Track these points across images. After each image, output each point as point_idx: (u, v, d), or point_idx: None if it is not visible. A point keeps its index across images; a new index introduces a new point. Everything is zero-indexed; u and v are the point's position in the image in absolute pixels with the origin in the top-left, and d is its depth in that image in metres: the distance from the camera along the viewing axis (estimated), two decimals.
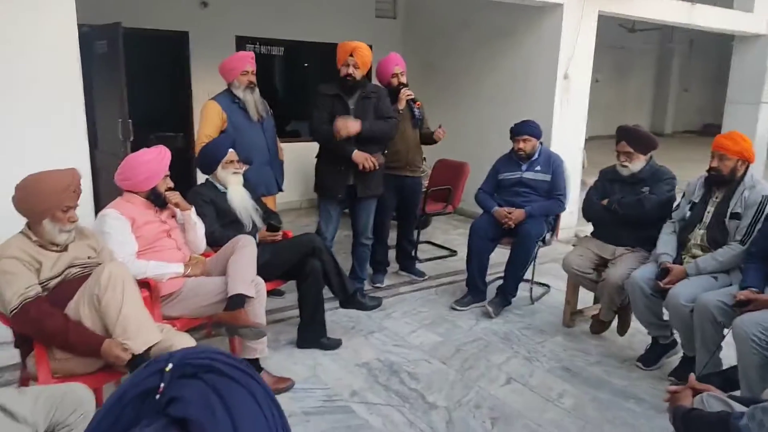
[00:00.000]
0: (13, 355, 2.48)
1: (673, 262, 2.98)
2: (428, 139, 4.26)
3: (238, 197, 3.23)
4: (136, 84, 4.76)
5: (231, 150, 3.25)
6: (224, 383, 0.59)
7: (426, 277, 4.41)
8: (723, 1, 6.71)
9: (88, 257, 2.26)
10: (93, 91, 4.24)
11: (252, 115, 3.64)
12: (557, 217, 4.04)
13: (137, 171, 2.70)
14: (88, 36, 4.20)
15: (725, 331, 2.67)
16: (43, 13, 2.96)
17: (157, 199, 2.75)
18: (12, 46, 2.91)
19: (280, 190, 3.94)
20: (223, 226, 3.13)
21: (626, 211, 3.31)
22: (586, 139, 5.71)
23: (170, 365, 0.59)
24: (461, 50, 6.31)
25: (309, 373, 3.00)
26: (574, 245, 4.02)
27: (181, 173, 3.12)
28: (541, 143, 3.96)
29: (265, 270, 2.90)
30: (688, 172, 4.58)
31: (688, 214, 3.06)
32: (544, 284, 4.26)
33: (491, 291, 3.95)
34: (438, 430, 2.54)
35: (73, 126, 3.13)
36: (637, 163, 3.28)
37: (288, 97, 7.16)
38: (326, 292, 3.27)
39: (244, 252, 2.79)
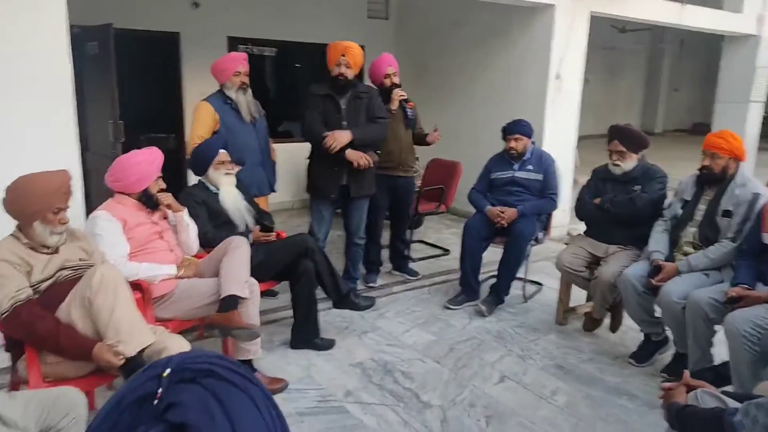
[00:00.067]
0: (3, 359, 2.46)
1: (665, 260, 3.00)
2: (421, 140, 4.27)
3: (231, 198, 3.22)
4: (127, 85, 4.74)
5: (223, 151, 3.24)
6: (223, 388, 0.58)
7: (419, 277, 4.41)
8: (712, 2, 6.75)
9: (80, 259, 2.24)
10: (84, 92, 4.21)
11: (244, 116, 3.63)
12: (549, 216, 4.06)
13: (128, 172, 2.69)
14: (79, 37, 4.17)
15: (716, 327, 2.70)
16: (35, 14, 2.94)
17: (148, 201, 2.74)
18: (3, 48, 2.89)
19: (273, 190, 3.93)
20: (215, 227, 3.12)
21: (618, 209, 3.32)
22: (577, 139, 5.73)
23: (168, 370, 0.58)
24: (454, 50, 6.32)
25: (303, 374, 2.99)
26: (566, 244, 4.03)
27: (172, 174, 3.11)
28: (533, 143, 3.97)
29: (258, 271, 2.89)
30: (678, 170, 4.61)
31: (680, 212, 3.08)
32: (536, 282, 4.28)
33: (484, 290, 3.96)
34: (433, 429, 2.55)
35: (64, 127, 3.11)
36: (630, 162, 3.30)
37: (280, 98, 7.15)
38: (319, 293, 3.26)
39: (237, 253, 2.78)
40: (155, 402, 0.56)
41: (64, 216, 2.15)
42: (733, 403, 1.52)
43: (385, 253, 4.44)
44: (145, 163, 2.71)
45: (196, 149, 3.34)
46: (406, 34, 7.05)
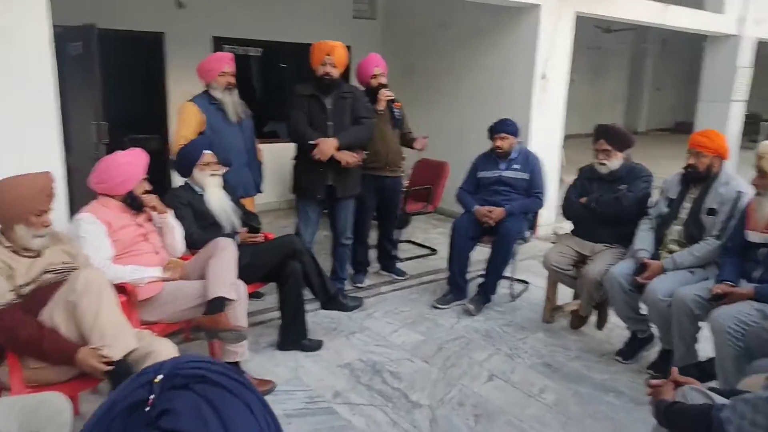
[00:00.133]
0: None
1: (651, 258, 3.02)
2: (407, 142, 4.26)
3: (217, 199, 3.19)
4: (110, 86, 4.68)
5: (208, 152, 3.20)
6: (217, 393, 0.57)
7: (407, 277, 4.41)
8: (694, 3, 6.83)
9: (63, 263, 2.21)
10: (66, 92, 4.16)
11: (231, 117, 3.60)
12: (536, 215, 4.08)
13: (113, 174, 2.65)
14: (61, 37, 4.10)
15: (701, 324, 2.73)
16: (17, 14, 2.89)
17: (133, 203, 2.71)
18: None
19: (259, 191, 3.91)
20: (201, 228, 3.09)
21: (604, 208, 3.35)
22: (563, 138, 5.77)
23: (160, 376, 0.57)
24: (440, 51, 6.33)
25: (291, 375, 2.98)
26: (553, 243, 4.06)
27: (156, 176, 3.08)
28: (519, 142, 3.99)
29: (245, 272, 2.86)
30: (662, 169, 4.67)
31: (665, 210, 3.11)
32: (523, 281, 4.29)
33: (471, 289, 3.97)
34: (422, 429, 2.55)
35: (47, 128, 3.06)
36: (615, 161, 3.33)
37: (266, 98, 7.11)
38: (307, 294, 3.25)
39: (224, 254, 2.76)
40: (147, 409, 0.55)
41: (47, 219, 2.12)
42: (720, 400, 1.54)
43: (372, 254, 4.43)
44: (129, 165, 2.68)
45: (180, 150, 3.31)
46: (392, 35, 7.05)
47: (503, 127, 3.90)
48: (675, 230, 3.06)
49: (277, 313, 3.33)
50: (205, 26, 5.92)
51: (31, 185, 2.10)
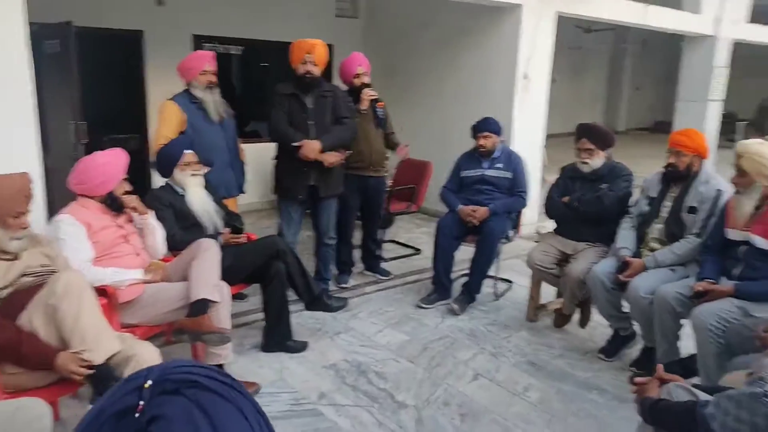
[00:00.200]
0: None
1: (632, 256, 3.05)
2: (390, 142, 4.25)
3: (198, 200, 3.15)
4: (88, 84, 4.61)
5: (189, 151, 3.16)
6: (209, 398, 0.56)
7: (391, 276, 4.41)
8: (672, 4, 6.93)
9: (42, 265, 2.16)
10: (43, 91, 4.07)
11: (212, 116, 3.55)
12: (519, 214, 4.10)
13: (92, 174, 2.60)
14: (37, 35, 4.02)
15: (683, 321, 2.76)
16: None
17: (113, 204, 2.66)
18: None
19: (242, 191, 3.87)
20: (183, 229, 3.05)
21: (586, 208, 3.38)
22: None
23: (149, 381, 0.56)
24: (423, 50, 6.33)
25: (275, 377, 2.95)
26: (537, 242, 4.08)
27: (136, 176, 3.03)
28: (502, 141, 4.01)
29: (228, 274, 2.83)
30: (642, 168, 4.73)
31: (646, 209, 3.14)
32: (507, 280, 4.32)
33: (456, 288, 3.98)
34: (408, 429, 2.54)
35: (24, 128, 2.99)
36: (598, 160, 3.35)
37: (247, 97, 7.05)
38: (291, 294, 3.22)
39: (207, 255, 2.73)
40: (137, 415, 0.53)
41: (25, 220, 2.07)
42: (704, 396, 1.55)
43: (356, 254, 4.42)
44: (109, 165, 2.64)
45: (161, 150, 3.26)
46: (375, 34, 7.03)
47: (486, 126, 3.91)
48: (656, 229, 3.10)
49: (260, 315, 3.30)
50: (185, 24, 5.85)
51: (8, 186, 2.05)
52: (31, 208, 2.14)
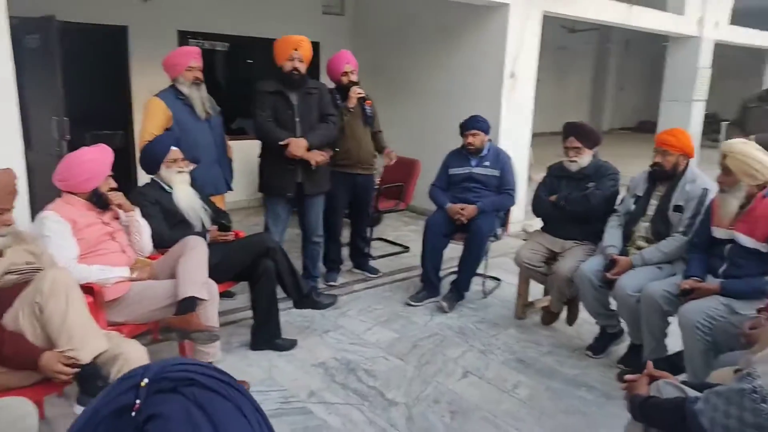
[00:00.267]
0: None
1: (619, 254, 3.08)
2: (377, 141, 4.23)
3: (185, 197, 3.11)
4: (71, 80, 4.52)
5: (174, 148, 3.12)
6: (207, 397, 0.55)
7: (380, 274, 4.40)
8: (657, 4, 7.00)
9: (27, 263, 2.11)
10: (24, 87, 4.00)
11: (198, 113, 3.51)
12: (508, 212, 4.12)
13: (77, 171, 2.56)
14: (17, 29, 3.94)
15: (670, 318, 2.79)
16: None
17: (99, 201, 2.62)
18: None
19: (230, 188, 3.83)
20: (170, 227, 3.02)
21: (573, 206, 3.40)
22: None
23: (145, 380, 0.54)
24: (410, 48, 6.33)
25: (264, 375, 2.93)
26: (525, 240, 4.10)
27: (121, 173, 2.98)
28: (490, 140, 4.02)
29: (216, 271, 2.81)
30: (627, 167, 4.76)
31: (633, 207, 3.17)
32: (495, 278, 4.33)
33: (444, 286, 3.98)
34: (398, 426, 2.54)
35: (6, 124, 2.93)
36: (585, 158, 3.38)
37: (233, 94, 6.98)
38: (279, 292, 3.20)
39: (195, 253, 2.70)
40: (133, 414, 0.52)
41: (9, 217, 2.04)
42: (692, 393, 1.57)
43: (344, 252, 4.40)
44: (94, 162, 2.60)
45: (146, 147, 3.22)
46: (362, 31, 7.02)
47: (474, 124, 3.92)
48: (642, 227, 3.13)
49: (248, 313, 3.28)
50: (170, 20, 5.79)
51: None
52: (15, 205, 2.10)
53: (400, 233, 5.58)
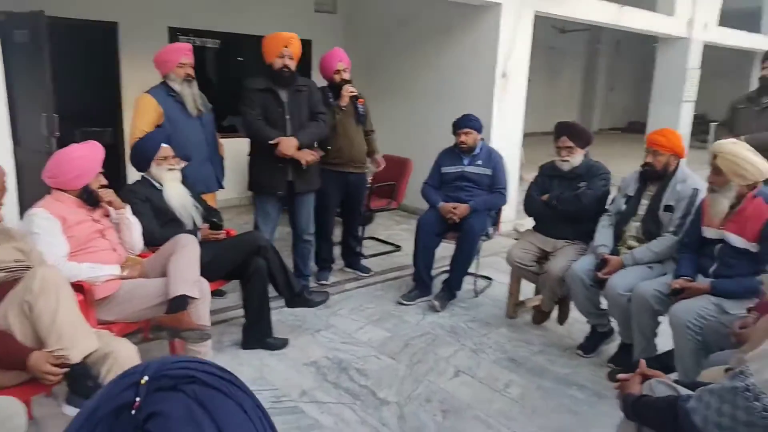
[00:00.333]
0: None
1: (610, 254, 3.09)
2: (369, 145, 4.22)
3: (176, 195, 3.09)
4: (60, 76, 4.48)
5: (165, 145, 3.10)
6: (209, 394, 0.54)
7: (371, 273, 4.39)
8: (647, 5, 7.04)
9: (16, 260, 2.09)
10: (13, 83, 3.95)
11: (190, 110, 3.49)
12: (499, 212, 4.12)
13: (67, 168, 2.53)
14: (6, 24, 3.91)
15: (660, 318, 2.81)
16: None
17: (89, 198, 2.60)
18: None
19: (221, 186, 3.81)
20: (161, 225, 2.99)
21: (565, 206, 3.41)
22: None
23: (146, 377, 0.53)
24: (402, 47, 6.32)
25: (256, 374, 2.92)
26: (516, 239, 4.11)
27: (110, 170, 2.94)
28: (482, 139, 4.02)
29: (208, 270, 2.79)
30: (616, 167, 4.78)
31: (624, 207, 3.18)
32: (486, 277, 4.34)
33: (436, 285, 3.98)
34: (390, 425, 2.54)
35: None
36: (577, 157, 3.39)
37: (224, 92, 6.94)
38: (270, 291, 3.19)
39: (186, 251, 2.68)
40: (133, 412, 0.51)
41: None
42: (684, 391, 1.58)
43: (336, 251, 4.39)
44: (85, 159, 2.57)
45: (136, 144, 3.20)
46: (354, 30, 7.00)
47: (467, 122, 3.92)
48: (633, 227, 3.14)
49: (239, 311, 3.26)
50: (161, 16, 5.74)
51: None
52: (4, 202, 2.07)
53: (392, 232, 5.57)
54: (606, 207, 3.35)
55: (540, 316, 3.60)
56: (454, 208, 3.77)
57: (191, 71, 3.52)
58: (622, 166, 3.70)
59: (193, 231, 3.04)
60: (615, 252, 3.13)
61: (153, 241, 2.90)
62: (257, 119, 3.48)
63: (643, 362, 1.78)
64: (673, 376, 2.46)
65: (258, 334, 3.16)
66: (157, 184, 3.07)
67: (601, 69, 15.62)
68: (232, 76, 6.96)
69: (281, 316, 3.50)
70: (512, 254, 3.55)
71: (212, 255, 2.93)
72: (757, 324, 1.92)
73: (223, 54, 6.65)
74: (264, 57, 3.57)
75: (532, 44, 5.62)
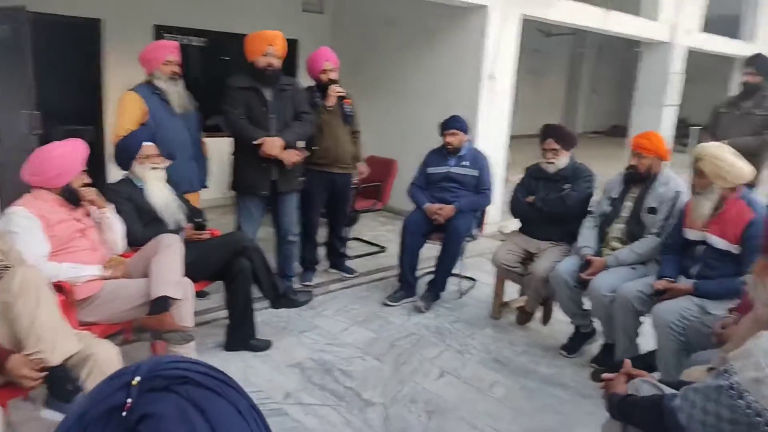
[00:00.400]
0: None
1: (594, 255, 3.12)
2: (354, 145, 4.21)
3: (159, 194, 3.05)
4: (42, 73, 4.40)
5: (148, 144, 3.06)
6: (202, 395, 0.53)
7: (356, 274, 4.38)
8: (630, 10, 7.12)
9: None
10: None
11: (175, 108, 3.45)
12: (484, 213, 4.14)
13: (48, 166, 2.49)
14: None
15: (642, 318, 2.84)
16: None
17: (70, 197, 2.55)
18: None
19: (204, 186, 3.77)
20: (144, 224, 2.95)
21: (550, 208, 3.43)
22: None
23: (137, 378, 0.52)
24: (389, 48, 6.32)
25: (239, 376, 2.88)
26: (501, 240, 4.13)
27: (92, 169, 2.89)
28: (469, 140, 4.03)
29: (191, 270, 2.76)
30: (599, 169, 4.83)
31: (608, 209, 3.21)
32: (470, 278, 4.35)
33: (421, 286, 3.98)
34: (375, 427, 2.53)
35: None
36: (563, 159, 3.42)
37: (209, 90, 6.87)
38: (255, 292, 3.16)
39: (169, 251, 2.65)
40: (124, 414, 0.49)
41: None
42: (669, 390, 1.59)
43: (321, 251, 4.37)
44: (66, 156, 2.53)
45: (119, 142, 3.15)
46: (341, 30, 6.98)
47: (453, 123, 3.93)
48: (617, 228, 3.17)
49: (222, 313, 3.23)
50: (147, 14, 5.67)
51: None
52: None
53: (377, 233, 5.56)
54: (590, 209, 3.38)
55: (524, 316, 3.62)
56: (440, 210, 3.78)
57: (177, 69, 3.49)
58: (606, 169, 3.74)
59: (176, 231, 3.01)
60: (598, 253, 3.15)
61: (135, 240, 2.86)
62: (240, 118, 3.44)
63: (627, 362, 1.79)
64: (656, 375, 2.49)
65: (242, 336, 3.13)
66: (139, 183, 3.03)
67: (585, 73, 15.77)
68: (218, 75, 6.90)
69: (265, 318, 3.47)
70: (498, 256, 3.57)
71: (196, 255, 2.89)
72: (740, 323, 1.95)
73: (209, 53, 6.59)
74: (246, 55, 3.53)
75: (519, 47, 5.65)
